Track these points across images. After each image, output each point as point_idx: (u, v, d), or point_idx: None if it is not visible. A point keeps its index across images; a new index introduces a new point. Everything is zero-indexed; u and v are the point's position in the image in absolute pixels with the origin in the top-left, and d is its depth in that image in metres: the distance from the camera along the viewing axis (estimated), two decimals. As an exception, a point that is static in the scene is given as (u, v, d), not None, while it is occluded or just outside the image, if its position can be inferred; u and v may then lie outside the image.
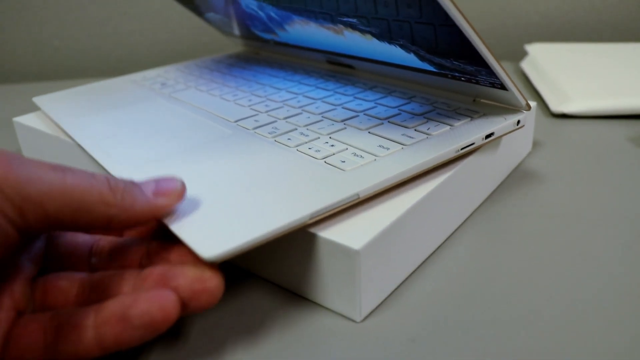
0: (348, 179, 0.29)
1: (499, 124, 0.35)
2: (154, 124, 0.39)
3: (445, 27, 0.32)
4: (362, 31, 0.39)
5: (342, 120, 0.38)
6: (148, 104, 0.44)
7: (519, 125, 0.37)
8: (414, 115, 0.38)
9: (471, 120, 0.36)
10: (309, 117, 0.38)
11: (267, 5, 0.44)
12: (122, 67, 0.83)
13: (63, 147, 0.40)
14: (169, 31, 0.81)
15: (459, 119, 0.36)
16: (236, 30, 0.57)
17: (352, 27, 0.39)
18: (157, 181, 0.25)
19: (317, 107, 0.40)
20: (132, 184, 0.24)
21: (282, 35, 0.50)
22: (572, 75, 0.59)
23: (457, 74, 0.37)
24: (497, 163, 0.39)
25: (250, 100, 0.43)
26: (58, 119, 0.41)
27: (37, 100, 0.46)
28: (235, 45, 0.68)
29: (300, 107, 0.41)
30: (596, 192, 0.39)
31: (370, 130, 0.36)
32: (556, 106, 0.54)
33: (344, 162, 0.31)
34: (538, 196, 0.39)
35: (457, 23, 0.30)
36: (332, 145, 0.34)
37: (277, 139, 0.35)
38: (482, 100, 0.39)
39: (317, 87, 0.45)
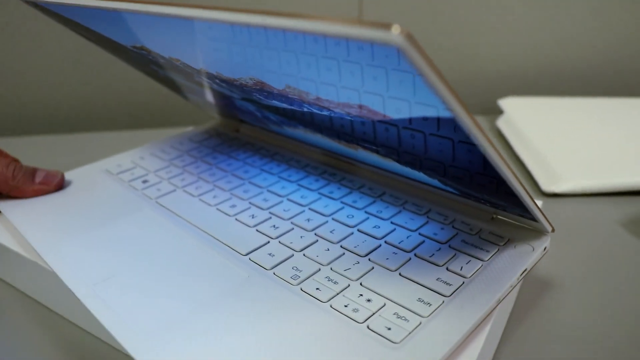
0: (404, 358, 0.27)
1: (529, 257, 0.34)
2: (152, 254, 0.36)
3: (483, 175, 0.31)
4: (382, 155, 0.37)
5: (367, 255, 0.35)
6: (136, 218, 0.40)
7: (545, 251, 0.36)
8: (439, 243, 0.36)
9: (499, 251, 0.35)
10: (328, 249, 0.36)
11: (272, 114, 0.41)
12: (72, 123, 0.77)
13: (37, 271, 0.36)
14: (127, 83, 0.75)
15: (487, 250, 0.35)
16: (218, 113, 0.53)
17: (372, 150, 0.37)
18: (46, 174, 0.42)
19: (332, 231, 0.38)
20: (28, 173, 0.42)
21: (278, 130, 0.47)
22: (558, 142, 0.59)
23: (482, 200, 0.36)
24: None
25: (252, 215, 0.40)
26: (33, 241, 0.37)
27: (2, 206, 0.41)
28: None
29: (313, 229, 0.38)
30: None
31: (402, 272, 0.34)
32: (547, 186, 0.54)
33: (389, 329, 0.29)
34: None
35: (504, 177, 0.29)
36: (369, 300, 0.31)
37: (302, 287, 0.33)
38: (500, 217, 0.38)
39: (321, 194, 0.43)
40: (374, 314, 0.30)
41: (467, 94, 0.79)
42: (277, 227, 0.39)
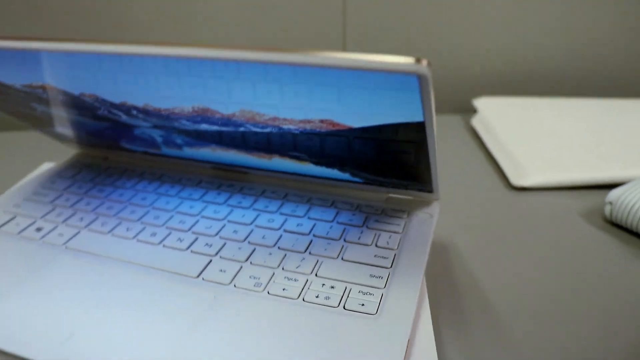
0: (386, 324, 0.33)
1: (432, 221, 0.42)
2: (100, 301, 0.35)
3: (414, 167, 0.38)
4: (302, 160, 0.41)
5: (306, 250, 0.40)
6: (55, 268, 0.38)
7: (435, 216, 0.44)
8: (359, 227, 0.42)
9: (406, 222, 0.42)
10: (270, 254, 0.39)
11: (181, 136, 0.42)
12: None
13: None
14: None
15: (397, 223, 0.42)
16: (84, 143, 0.51)
17: (292, 157, 0.41)
18: None
19: (263, 237, 0.41)
20: None
21: (168, 152, 0.47)
22: (528, 139, 0.62)
23: (388, 185, 0.43)
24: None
25: (178, 238, 0.41)
26: None
27: None
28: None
29: (245, 239, 0.41)
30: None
31: (344, 257, 0.39)
32: (516, 180, 0.57)
33: (363, 304, 0.34)
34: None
35: (433, 167, 0.36)
36: (333, 287, 0.36)
37: (269, 290, 0.36)
38: (393, 196, 0.45)
39: (230, 205, 0.45)
40: (346, 297, 0.35)
41: (443, 93, 0.81)
42: (211, 245, 0.41)
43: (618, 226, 0.49)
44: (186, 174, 0.50)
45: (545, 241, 0.48)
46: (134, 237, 0.42)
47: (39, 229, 0.43)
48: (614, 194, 0.49)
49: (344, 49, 0.77)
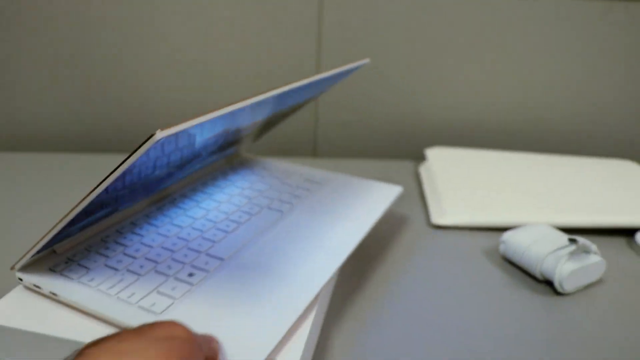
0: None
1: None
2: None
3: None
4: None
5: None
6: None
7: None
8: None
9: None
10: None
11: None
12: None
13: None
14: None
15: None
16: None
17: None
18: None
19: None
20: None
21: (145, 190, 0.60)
22: (457, 185, 0.70)
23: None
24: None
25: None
26: None
27: None
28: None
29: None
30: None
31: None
32: (435, 219, 0.66)
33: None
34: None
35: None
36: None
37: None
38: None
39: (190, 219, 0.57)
40: None
41: (403, 142, 0.91)
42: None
43: (508, 261, 0.61)
44: (130, 219, 0.54)
45: (451, 271, 0.57)
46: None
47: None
48: (506, 235, 0.60)
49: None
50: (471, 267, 0.58)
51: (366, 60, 0.58)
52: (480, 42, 0.84)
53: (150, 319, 0.41)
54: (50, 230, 0.42)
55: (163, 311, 0.42)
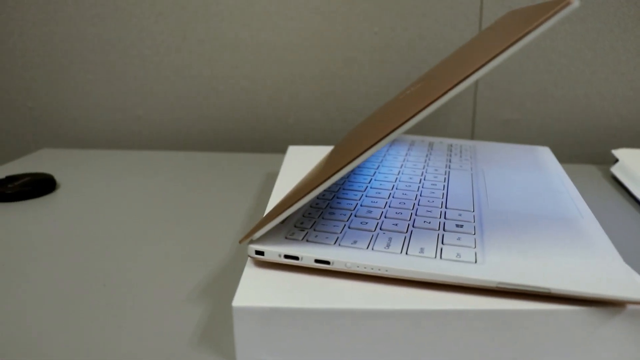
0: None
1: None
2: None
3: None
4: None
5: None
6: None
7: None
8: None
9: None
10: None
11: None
12: (201, 142, 0.80)
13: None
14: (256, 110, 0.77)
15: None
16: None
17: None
18: None
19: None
20: None
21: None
22: None
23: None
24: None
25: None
26: None
27: None
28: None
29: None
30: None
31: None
32: None
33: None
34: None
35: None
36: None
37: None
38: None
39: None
40: None
41: (577, 144, 0.79)
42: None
43: None
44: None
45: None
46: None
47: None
48: None
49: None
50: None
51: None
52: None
53: (472, 269, 0.31)
54: (289, 205, 0.33)
55: (476, 260, 0.32)
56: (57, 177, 0.65)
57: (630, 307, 0.30)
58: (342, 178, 0.48)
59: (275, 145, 0.81)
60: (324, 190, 0.44)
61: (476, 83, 0.76)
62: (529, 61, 0.74)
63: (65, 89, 0.81)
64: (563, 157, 0.79)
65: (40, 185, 0.59)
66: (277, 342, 0.30)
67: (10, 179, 0.60)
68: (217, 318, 0.36)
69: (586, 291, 0.29)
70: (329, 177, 0.31)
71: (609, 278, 0.31)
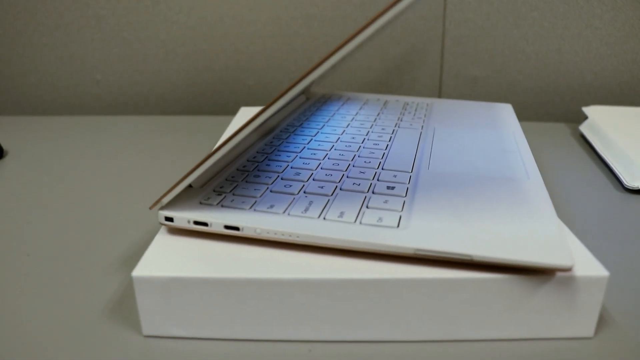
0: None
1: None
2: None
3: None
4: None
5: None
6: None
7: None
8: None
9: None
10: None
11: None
12: (162, 105, 0.78)
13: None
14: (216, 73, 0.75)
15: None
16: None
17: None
18: None
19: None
20: None
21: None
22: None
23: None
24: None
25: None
26: None
27: None
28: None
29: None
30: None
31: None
32: (630, 181, 0.52)
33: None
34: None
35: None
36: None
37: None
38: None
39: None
40: None
41: (549, 102, 0.76)
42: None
43: None
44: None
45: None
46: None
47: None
48: None
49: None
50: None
51: None
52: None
53: (390, 234, 0.29)
54: (197, 167, 0.31)
55: (399, 225, 0.30)
56: (8, 146, 0.63)
57: (559, 274, 0.28)
58: (279, 139, 0.45)
59: (236, 108, 0.78)
60: (257, 152, 0.42)
61: (442, 38, 0.72)
62: (498, 15, 0.71)
63: (20, 55, 0.78)
64: (534, 116, 0.76)
65: (-15, 153, 0.57)
66: (182, 315, 0.29)
67: (-43, 147, 0.58)
68: (132, 290, 0.34)
69: (510, 258, 0.27)
70: (234, 135, 0.29)
71: (540, 244, 0.28)
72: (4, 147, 0.63)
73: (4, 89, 0.80)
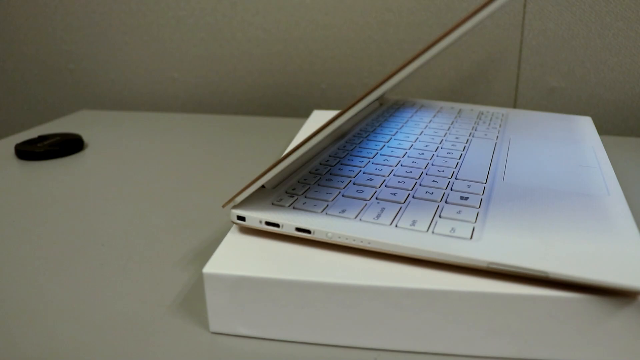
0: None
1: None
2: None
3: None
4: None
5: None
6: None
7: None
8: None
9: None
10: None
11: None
12: (235, 105, 0.80)
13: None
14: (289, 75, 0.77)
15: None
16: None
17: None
18: None
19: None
20: None
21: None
22: None
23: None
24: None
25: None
26: None
27: None
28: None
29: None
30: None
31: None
32: None
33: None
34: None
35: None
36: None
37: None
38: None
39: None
40: None
41: (632, 115, 0.72)
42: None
43: None
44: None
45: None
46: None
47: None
48: None
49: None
50: None
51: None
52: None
53: (462, 246, 0.28)
54: (271, 168, 0.31)
55: (472, 236, 0.29)
56: (88, 138, 0.66)
57: (641, 298, 0.26)
58: (352, 144, 0.45)
59: (309, 111, 0.79)
60: (329, 156, 0.42)
61: (520, 47, 0.70)
62: (580, 24, 0.68)
63: (104, 52, 0.82)
64: (614, 130, 0.73)
65: (67, 145, 0.60)
66: (250, 314, 0.29)
67: (42, 138, 0.61)
68: (202, 286, 0.35)
69: (588, 277, 0.26)
70: (308, 139, 0.29)
71: (620, 263, 0.27)
72: (84, 139, 0.66)
73: (86, 84, 0.84)
